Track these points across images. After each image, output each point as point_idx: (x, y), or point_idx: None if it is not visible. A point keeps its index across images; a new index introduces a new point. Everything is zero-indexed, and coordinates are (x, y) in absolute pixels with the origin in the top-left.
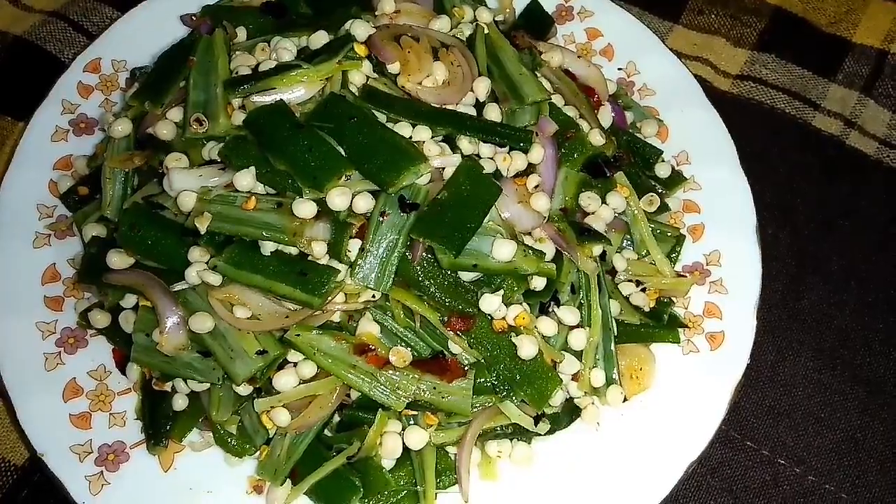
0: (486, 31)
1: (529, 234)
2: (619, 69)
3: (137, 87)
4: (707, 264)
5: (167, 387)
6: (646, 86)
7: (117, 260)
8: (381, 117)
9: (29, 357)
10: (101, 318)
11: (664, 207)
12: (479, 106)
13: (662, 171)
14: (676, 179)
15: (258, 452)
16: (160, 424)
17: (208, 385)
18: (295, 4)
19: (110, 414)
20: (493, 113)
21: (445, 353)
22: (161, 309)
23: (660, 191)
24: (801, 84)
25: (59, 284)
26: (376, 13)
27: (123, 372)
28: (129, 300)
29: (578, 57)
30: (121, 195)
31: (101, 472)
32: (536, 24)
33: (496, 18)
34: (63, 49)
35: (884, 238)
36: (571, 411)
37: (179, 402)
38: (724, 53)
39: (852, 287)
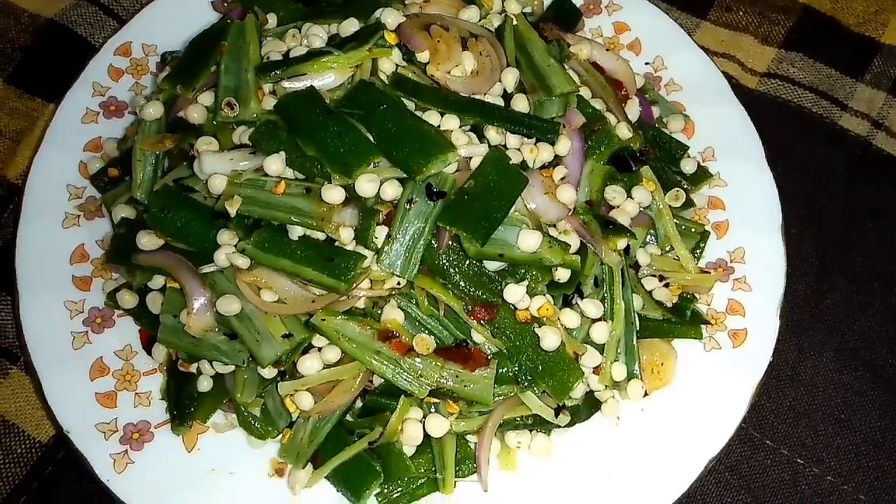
0: (514, 21)
1: (554, 225)
2: (647, 64)
3: (169, 70)
4: (731, 261)
5: (193, 368)
6: (673, 81)
7: (147, 241)
8: (410, 105)
9: (57, 335)
10: (128, 299)
11: (689, 203)
12: (506, 96)
13: (688, 166)
14: (702, 175)
15: (281, 435)
16: (185, 405)
17: (233, 367)
18: None
19: (136, 393)
20: (520, 104)
21: (468, 342)
22: (189, 290)
23: (685, 186)
24: (828, 83)
25: (87, 264)
26: (406, 1)
27: (150, 352)
28: (157, 281)
29: (607, 50)
30: (151, 177)
31: (126, 450)
32: (564, 17)
33: (524, 10)
34: (93, 32)
35: None
36: (592, 404)
37: (204, 384)
38: (751, 51)
39: (876, 288)
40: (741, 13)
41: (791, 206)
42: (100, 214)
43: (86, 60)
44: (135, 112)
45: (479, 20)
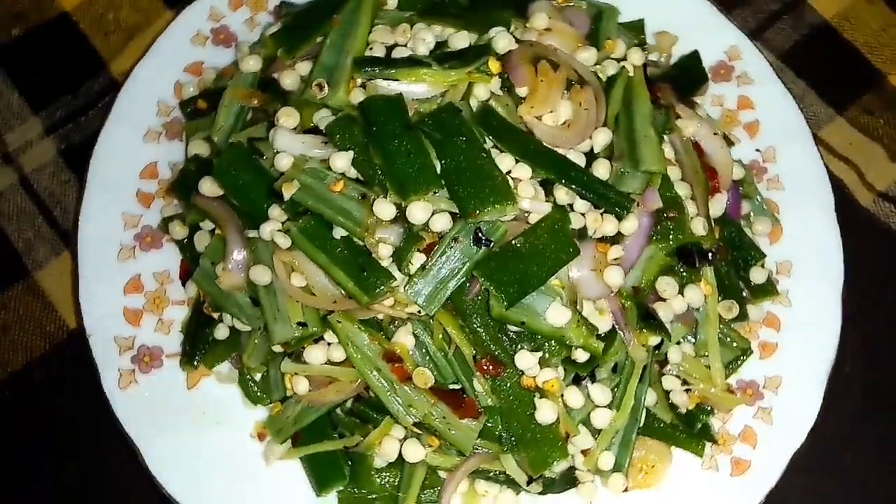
0: (630, 73)
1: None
2: (758, 150)
3: (280, 26)
4: (763, 387)
5: (215, 315)
6: (777, 177)
7: (207, 188)
8: (489, 142)
9: (107, 241)
10: (179, 230)
11: (743, 317)
12: (590, 155)
13: (758, 276)
14: (768, 290)
15: (272, 406)
16: (198, 346)
17: (250, 328)
18: None
19: (160, 319)
20: (601, 169)
21: (467, 388)
22: (230, 247)
23: (745, 295)
24: None
25: (154, 182)
26: (527, 25)
27: (184, 284)
28: (208, 224)
29: (714, 134)
30: (231, 125)
31: (134, 370)
32: (690, 78)
33: (651, 57)
34: None
35: None
36: (569, 480)
37: (221, 332)
38: (876, 164)
39: None
40: (881, 121)
41: (854, 341)
42: (180, 138)
43: None
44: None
45: (595, 63)
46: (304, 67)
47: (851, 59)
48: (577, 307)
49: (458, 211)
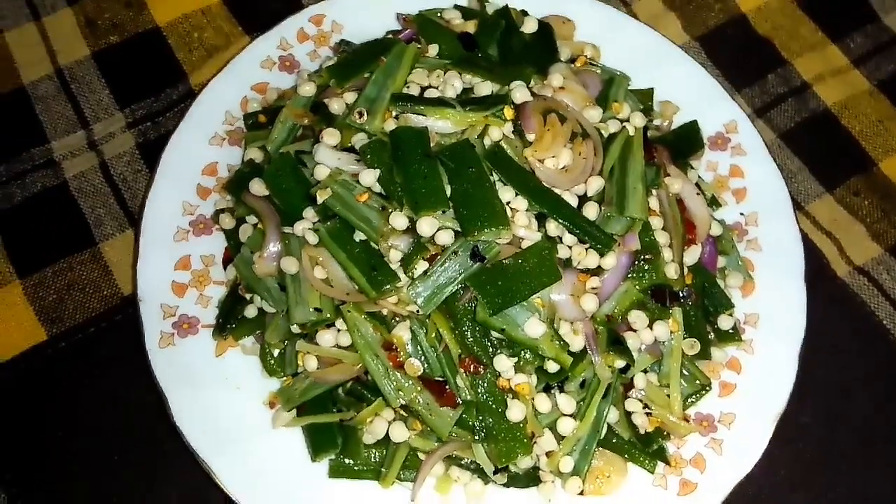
0: (630, 133)
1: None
2: (742, 214)
3: (336, 60)
4: (718, 421)
5: (248, 296)
6: (756, 240)
7: (256, 188)
8: (495, 176)
9: (166, 224)
10: (227, 221)
11: (705, 356)
12: (583, 198)
13: (725, 323)
14: (733, 336)
15: (285, 378)
16: (230, 320)
17: (275, 311)
18: (487, 43)
19: (201, 294)
20: (590, 210)
21: (450, 381)
22: (268, 240)
23: (711, 337)
24: None
25: (213, 179)
26: (544, 82)
27: (225, 268)
28: (252, 219)
29: (697, 194)
30: (283, 138)
31: (174, 333)
32: (687, 142)
33: (655, 121)
34: None
35: None
36: (532, 478)
37: (251, 311)
38: (857, 241)
39: None
40: (867, 202)
41: (814, 399)
42: (239, 145)
43: (288, 11)
44: (299, 78)
45: (599, 121)
46: (350, 97)
47: (846, 144)
48: (555, 325)
49: (460, 229)
